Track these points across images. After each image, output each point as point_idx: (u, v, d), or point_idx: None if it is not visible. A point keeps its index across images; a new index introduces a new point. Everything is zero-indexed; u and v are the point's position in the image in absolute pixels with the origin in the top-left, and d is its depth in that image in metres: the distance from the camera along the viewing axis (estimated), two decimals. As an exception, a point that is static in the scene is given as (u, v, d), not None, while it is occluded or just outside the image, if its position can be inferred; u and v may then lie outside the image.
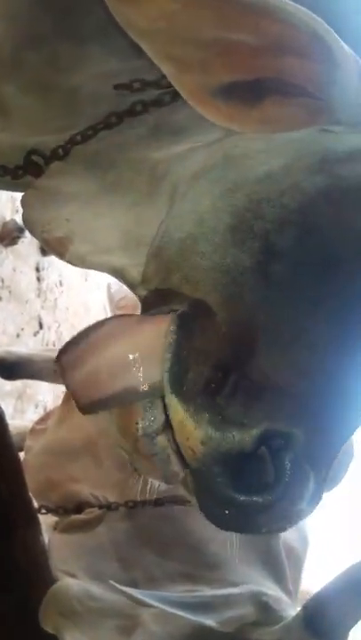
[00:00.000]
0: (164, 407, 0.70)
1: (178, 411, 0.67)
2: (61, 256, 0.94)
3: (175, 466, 0.70)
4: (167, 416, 0.69)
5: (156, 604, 1.11)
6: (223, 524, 0.69)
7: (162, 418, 0.69)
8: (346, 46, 0.72)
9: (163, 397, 0.69)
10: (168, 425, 0.69)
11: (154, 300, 0.80)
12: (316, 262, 0.72)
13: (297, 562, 1.55)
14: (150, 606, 1.12)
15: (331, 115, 0.76)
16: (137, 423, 0.70)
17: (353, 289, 0.71)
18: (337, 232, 0.72)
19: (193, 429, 0.66)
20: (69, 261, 0.94)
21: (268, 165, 0.78)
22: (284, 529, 0.70)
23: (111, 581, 1.22)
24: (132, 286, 0.88)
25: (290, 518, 0.68)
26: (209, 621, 1.06)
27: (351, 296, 0.71)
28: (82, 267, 0.94)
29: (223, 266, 0.73)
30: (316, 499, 0.69)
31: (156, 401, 0.70)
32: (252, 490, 0.65)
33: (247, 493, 0.65)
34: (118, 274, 0.90)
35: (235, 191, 0.77)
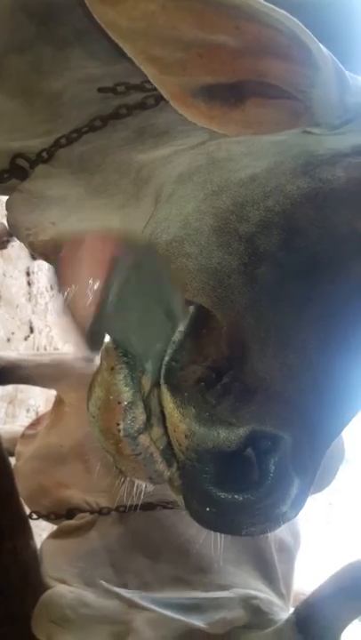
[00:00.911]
0: (145, 407, 0.69)
1: (168, 400, 0.67)
2: (47, 259, 0.93)
3: (159, 464, 0.70)
4: (148, 416, 0.69)
5: (146, 604, 1.10)
6: (204, 522, 0.69)
7: (142, 417, 0.69)
8: (324, 48, 0.73)
9: (143, 396, 0.70)
10: (149, 424, 0.69)
11: None
12: (301, 265, 0.72)
13: (288, 556, 1.54)
14: (141, 607, 1.11)
15: (311, 116, 0.76)
16: (118, 424, 0.69)
17: (337, 292, 0.71)
18: (321, 235, 0.72)
19: (178, 421, 0.66)
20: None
21: (251, 168, 0.78)
22: (266, 531, 0.69)
23: (102, 582, 1.21)
24: None
25: (271, 521, 0.68)
26: (199, 622, 1.06)
27: (336, 298, 0.71)
28: None
29: (210, 268, 0.73)
30: (299, 503, 0.69)
31: (136, 401, 0.69)
32: (233, 488, 0.65)
33: (228, 491, 0.65)
34: None
35: (219, 194, 0.77)
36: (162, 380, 0.68)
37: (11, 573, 1.36)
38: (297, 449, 0.66)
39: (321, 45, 0.72)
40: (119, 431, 0.69)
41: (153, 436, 0.70)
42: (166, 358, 0.69)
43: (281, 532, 1.49)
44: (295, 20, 0.70)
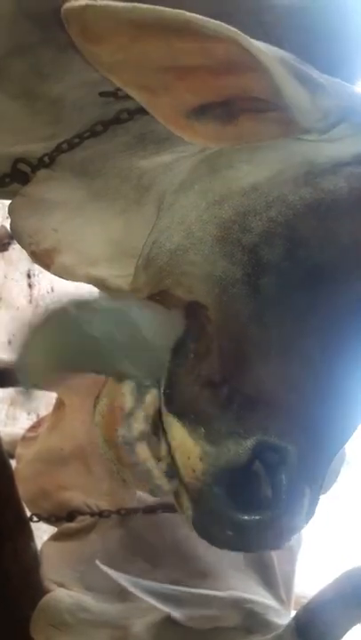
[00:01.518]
0: (145, 416, 0.70)
1: (177, 431, 0.67)
2: (48, 268, 0.94)
3: (158, 480, 0.70)
4: (155, 433, 0.70)
5: (130, 587, 1.10)
6: (223, 544, 0.68)
7: (142, 427, 0.69)
8: (269, 50, 0.72)
9: (144, 407, 0.70)
10: (149, 435, 0.70)
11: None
12: (305, 276, 0.72)
13: (290, 555, 1.54)
14: (125, 587, 1.11)
15: (298, 124, 0.77)
16: (117, 430, 0.70)
17: (341, 302, 0.71)
18: (323, 246, 0.73)
19: (193, 446, 0.66)
20: (55, 273, 0.94)
21: (252, 177, 0.78)
22: (283, 544, 0.69)
23: (97, 562, 1.21)
24: (116, 295, 0.88)
25: (288, 534, 0.68)
26: (176, 613, 1.06)
27: (339, 309, 0.71)
28: (67, 279, 0.94)
29: (215, 277, 0.73)
30: (311, 512, 0.69)
31: (137, 410, 0.70)
32: (250, 508, 0.65)
33: (247, 512, 0.64)
34: (102, 284, 0.90)
35: (221, 203, 0.77)
36: (164, 411, 0.69)
37: (11, 575, 1.36)
38: (303, 459, 0.66)
39: (263, 47, 0.72)
40: (118, 437, 0.70)
41: (155, 454, 0.70)
42: (162, 388, 0.69)
43: None
44: (233, 28, 0.70)
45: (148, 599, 1.08)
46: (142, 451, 0.70)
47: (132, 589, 1.10)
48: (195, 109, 0.76)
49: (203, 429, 0.66)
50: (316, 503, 0.70)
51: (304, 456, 0.66)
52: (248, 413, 0.66)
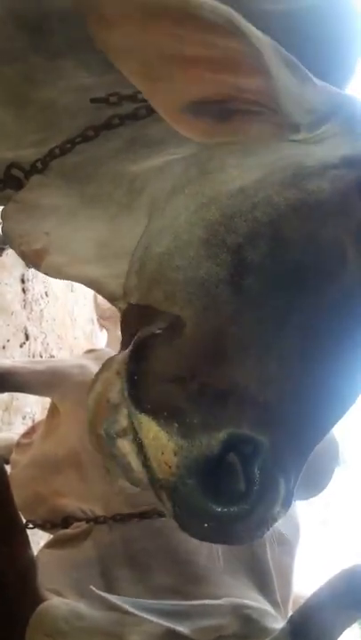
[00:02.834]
0: (129, 415, 0.70)
1: (150, 428, 0.68)
2: (37, 267, 0.94)
3: (137, 473, 0.71)
4: (132, 426, 0.70)
5: (130, 609, 1.10)
6: (203, 536, 0.70)
7: (124, 423, 0.70)
8: (261, 34, 0.75)
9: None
10: (134, 437, 0.70)
11: (133, 316, 0.81)
12: (286, 275, 0.73)
13: (289, 549, 1.54)
14: (125, 612, 1.11)
15: (289, 119, 0.78)
16: (101, 422, 0.71)
17: (320, 301, 0.73)
18: (306, 246, 0.74)
19: (166, 441, 0.67)
20: (45, 272, 0.94)
21: (241, 180, 0.79)
22: (263, 534, 0.71)
23: (92, 587, 1.21)
24: (111, 298, 0.89)
25: (266, 523, 0.69)
26: (182, 628, 1.06)
27: (319, 307, 0.73)
28: (58, 277, 0.94)
29: (198, 278, 0.75)
30: (288, 502, 0.70)
31: (121, 406, 0.71)
32: (225, 499, 0.66)
33: (222, 503, 0.66)
34: (95, 285, 0.91)
35: (209, 205, 0.79)
36: (133, 411, 0.70)
37: (7, 580, 1.35)
38: (277, 450, 0.68)
39: (258, 31, 0.74)
40: (101, 428, 0.71)
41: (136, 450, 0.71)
42: (126, 389, 0.71)
43: (280, 525, 1.49)
44: (230, 10, 0.73)
45: (151, 618, 1.08)
46: (122, 445, 0.71)
47: (133, 611, 1.09)
48: (192, 104, 0.79)
49: (176, 424, 0.67)
50: (293, 493, 0.71)
51: (278, 448, 0.68)
52: (220, 407, 0.67)
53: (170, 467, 0.67)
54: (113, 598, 1.12)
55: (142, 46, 0.76)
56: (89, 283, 0.92)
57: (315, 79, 0.82)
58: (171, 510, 0.69)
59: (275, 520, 0.70)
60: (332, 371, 0.72)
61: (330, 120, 0.81)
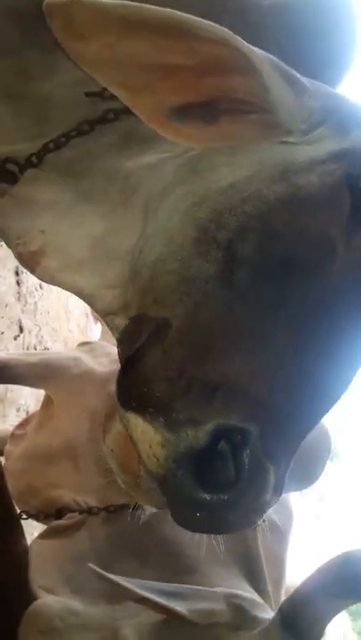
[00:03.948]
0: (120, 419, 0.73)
1: (137, 423, 0.70)
2: (32, 271, 0.94)
3: None
4: None
5: (129, 586, 1.11)
6: (197, 528, 0.71)
7: None
8: (258, 50, 0.74)
9: None
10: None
11: (129, 331, 0.82)
12: (276, 268, 0.74)
13: (280, 536, 1.55)
14: (124, 589, 1.12)
15: (281, 126, 0.78)
16: (138, 462, 0.72)
17: (310, 293, 0.74)
18: (295, 239, 0.75)
19: (153, 435, 0.69)
20: (40, 277, 0.94)
21: (232, 176, 0.80)
22: (254, 522, 0.72)
23: (90, 565, 1.22)
24: (104, 313, 0.89)
25: (257, 511, 0.71)
26: (181, 608, 1.07)
27: (309, 301, 0.74)
28: (51, 283, 0.94)
29: (188, 277, 0.75)
30: (278, 489, 0.72)
31: None
32: (214, 488, 0.67)
33: (212, 491, 0.67)
34: (88, 299, 0.91)
35: (200, 204, 0.80)
36: (121, 411, 0.72)
37: (2, 568, 1.36)
38: (266, 439, 0.69)
39: (255, 48, 0.74)
40: (140, 469, 0.73)
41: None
42: (115, 391, 0.73)
43: (272, 512, 1.50)
44: (225, 29, 0.72)
45: (153, 596, 1.09)
46: None
47: (133, 589, 1.11)
48: (176, 109, 0.78)
49: (162, 419, 0.69)
50: (283, 481, 0.72)
51: (267, 437, 0.69)
52: (207, 399, 0.69)
53: (158, 459, 0.68)
54: (112, 577, 1.13)
55: (120, 58, 0.74)
56: (82, 296, 0.92)
57: (309, 83, 0.82)
58: (164, 503, 0.71)
59: (266, 507, 0.71)
60: (322, 362, 0.74)
61: (322, 125, 0.82)
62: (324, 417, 0.79)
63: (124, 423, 0.71)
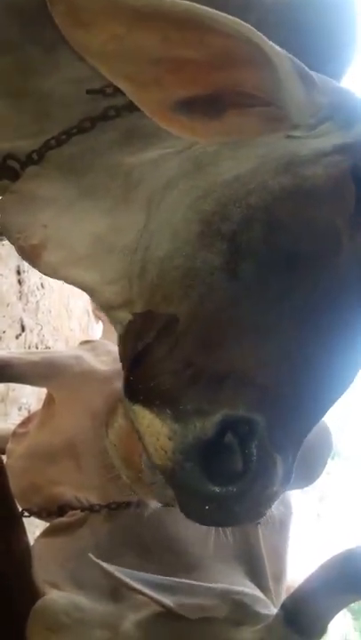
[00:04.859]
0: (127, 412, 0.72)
1: (144, 415, 0.69)
2: (34, 264, 0.94)
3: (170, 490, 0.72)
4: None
5: (120, 576, 1.12)
6: (204, 520, 0.71)
7: None
8: (277, 47, 0.74)
9: None
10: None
11: (135, 327, 0.81)
12: (281, 259, 0.74)
13: (279, 527, 1.55)
14: (116, 580, 1.12)
15: (289, 120, 0.78)
16: (140, 455, 0.72)
17: (315, 285, 0.74)
18: (301, 230, 0.75)
19: (160, 427, 0.68)
20: (42, 271, 0.94)
21: (236, 170, 0.80)
22: (263, 514, 0.72)
23: (90, 554, 1.22)
24: (106, 307, 0.89)
25: (265, 503, 0.71)
26: (168, 601, 1.08)
27: (314, 291, 0.74)
28: (54, 277, 0.94)
29: (194, 269, 0.75)
30: (286, 480, 0.71)
31: None
32: (223, 480, 0.67)
33: (221, 483, 0.67)
34: (90, 293, 0.91)
35: (205, 198, 0.79)
36: (128, 404, 0.72)
37: (3, 569, 1.36)
38: (273, 429, 0.69)
39: (274, 44, 0.73)
40: (140, 462, 0.73)
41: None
42: (123, 383, 0.72)
43: (272, 508, 1.49)
44: (245, 23, 0.71)
45: (142, 588, 1.09)
46: None
47: (126, 580, 1.11)
48: (181, 103, 0.78)
49: (169, 411, 0.68)
50: (290, 472, 0.72)
51: (274, 427, 0.69)
52: (214, 390, 0.69)
53: (165, 452, 0.68)
54: (108, 567, 1.14)
55: (128, 49, 0.73)
56: (85, 290, 0.92)
57: (317, 77, 0.82)
58: (172, 497, 0.71)
59: (274, 499, 0.71)
60: (327, 353, 0.73)
61: (329, 120, 0.82)
62: (330, 410, 0.79)
63: (131, 416, 0.71)
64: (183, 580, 1.20)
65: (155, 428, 0.68)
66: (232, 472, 0.67)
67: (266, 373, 0.70)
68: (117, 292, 0.86)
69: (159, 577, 1.17)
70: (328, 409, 0.78)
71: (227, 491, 0.67)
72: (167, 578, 1.19)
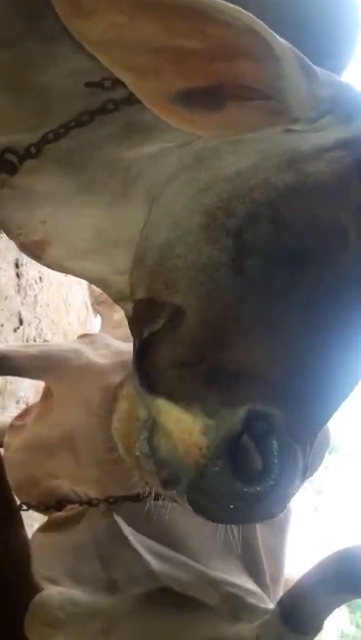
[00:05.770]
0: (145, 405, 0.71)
1: (171, 410, 0.68)
2: (38, 259, 0.94)
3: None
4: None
5: (129, 536, 1.12)
6: (226, 518, 0.70)
7: None
8: (281, 39, 0.74)
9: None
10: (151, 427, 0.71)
11: (140, 315, 0.81)
12: (288, 255, 0.74)
13: (278, 527, 1.55)
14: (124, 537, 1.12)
15: (289, 113, 0.78)
16: (135, 442, 0.72)
17: (320, 279, 0.74)
18: (305, 226, 0.75)
19: (192, 422, 0.67)
20: (47, 265, 0.94)
21: (237, 165, 0.80)
22: (283, 509, 0.71)
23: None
24: (118, 298, 0.89)
25: (288, 496, 0.70)
26: (156, 565, 1.09)
27: (322, 286, 0.74)
28: (59, 271, 0.94)
29: (199, 264, 0.75)
30: (305, 473, 0.71)
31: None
32: (252, 479, 0.66)
33: (249, 483, 0.66)
34: (101, 284, 0.91)
35: (206, 191, 0.79)
36: (150, 398, 0.70)
37: (1, 563, 1.36)
38: (291, 422, 0.68)
39: (278, 36, 0.73)
40: (137, 450, 0.72)
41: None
42: (137, 380, 0.71)
43: None
44: (249, 14, 0.71)
45: (140, 549, 1.10)
46: None
47: (130, 538, 1.11)
48: (181, 94, 0.77)
49: (198, 405, 0.67)
50: (308, 464, 0.72)
51: (291, 420, 0.69)
52: (234, 387, 0.68)
53: (200, 448, 0.66)
54: (120, 521, 1.15)
55: (128, 38, 0.72)
56: (94, 281, 0.92)
57: (319, 71, 0.81)
58: (186, 495, 0.69)
59: (295, 492, 0.71)
60: (336, 346, 0.73)
61: (330, 113, 0.82)
62: (343, 403, 0.78)
63: (152, 411, 0.70)
64: (182, 557, 1.21)
65: (185, 424, 0.67)
66: (255, 470, 0.66)
67: (276, 368, 0.70)
68: (127, 282, 0.86)
69: (160, 545, 1.18)
70: (339, 402, 0.78)
71: (255, 490, 0.66)
72: (169, 551, 1.20)
